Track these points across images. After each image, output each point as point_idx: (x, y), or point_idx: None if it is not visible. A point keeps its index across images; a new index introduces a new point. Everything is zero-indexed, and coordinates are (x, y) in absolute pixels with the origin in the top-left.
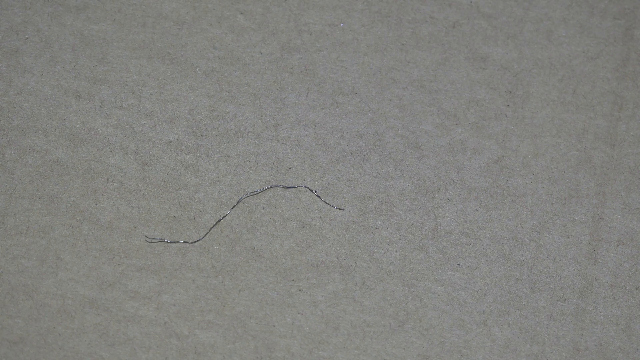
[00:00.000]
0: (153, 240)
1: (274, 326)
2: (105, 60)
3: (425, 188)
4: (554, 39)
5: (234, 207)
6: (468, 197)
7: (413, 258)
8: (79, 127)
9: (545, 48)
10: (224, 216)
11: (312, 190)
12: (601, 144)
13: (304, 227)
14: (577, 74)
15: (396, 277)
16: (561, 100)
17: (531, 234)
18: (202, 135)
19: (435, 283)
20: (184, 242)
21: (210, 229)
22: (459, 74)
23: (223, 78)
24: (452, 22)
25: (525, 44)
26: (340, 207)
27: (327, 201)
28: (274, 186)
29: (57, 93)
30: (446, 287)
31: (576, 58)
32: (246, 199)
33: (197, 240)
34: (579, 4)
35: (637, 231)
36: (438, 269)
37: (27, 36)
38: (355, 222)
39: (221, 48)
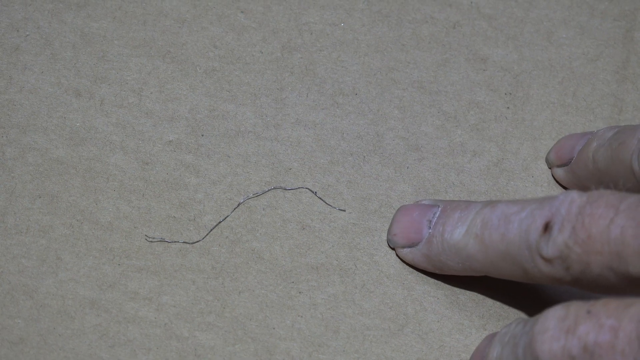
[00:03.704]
0: (153, 240)
1: (273, 328)
2: (106, 58)
3: (425, 190)
4: (554, 40)
5: (234, 209)
6: (468, 199)
7: None
8: (79, 125)
9: (546, 49)
10: (225, 218)
11: (312, 192)
12: None
13: (304, 228)
14: (577, 75)
15: (396, 280)
16: (561, 103)
17: None
18: (202, 135)
19: (435, 286)
20: (183, 242)
21: (211, 230)
22: (459, 75)
23: (223, 77)
24: (453, 22)
25: (526, 45)
26: (342, 208)
27: (328, 202)
28: (275, 187)
29: (58, 91)
30: (446, 291)
31: (576, 60)
32: (246, 200)
33: (198, 241)
34: (579, 5)
35: None
36: None
37: (27, 33)
38: (355, 224)
39: (222, 47)
